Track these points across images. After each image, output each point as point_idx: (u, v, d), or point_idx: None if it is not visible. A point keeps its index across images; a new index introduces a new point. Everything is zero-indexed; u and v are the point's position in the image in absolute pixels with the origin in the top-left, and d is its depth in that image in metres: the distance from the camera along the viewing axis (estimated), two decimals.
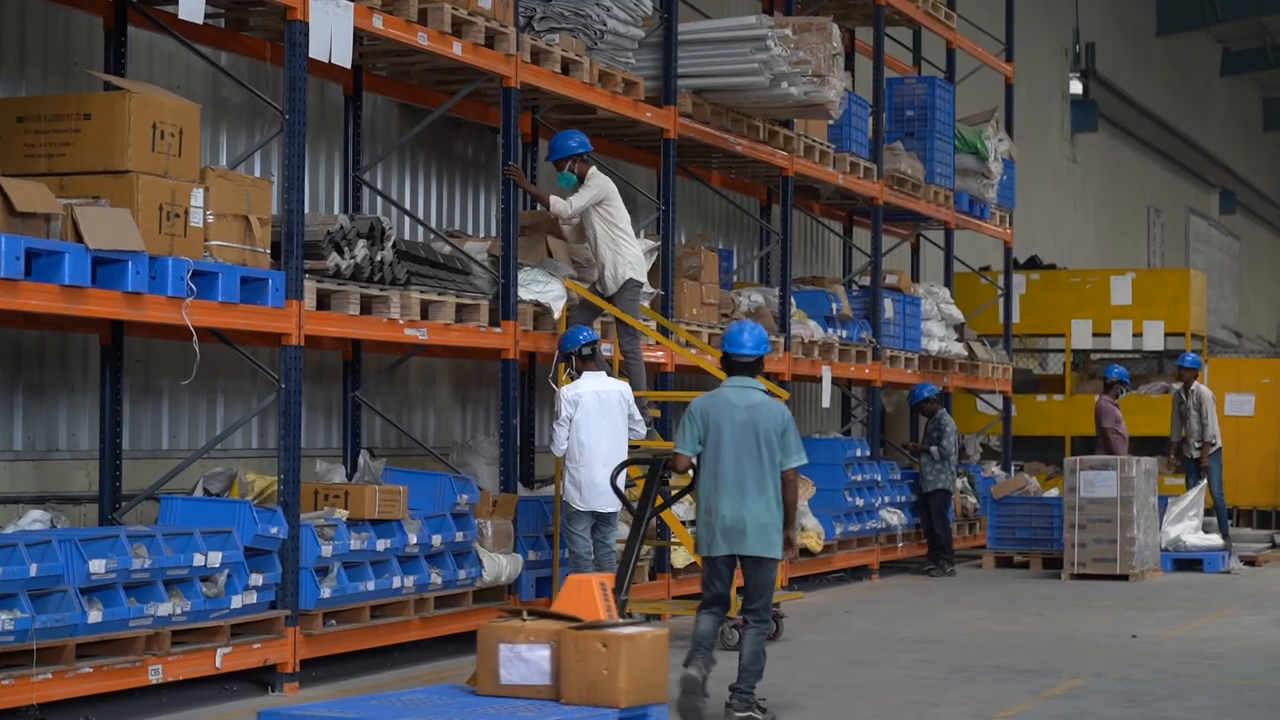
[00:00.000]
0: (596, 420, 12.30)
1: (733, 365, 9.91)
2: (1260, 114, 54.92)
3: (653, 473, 10.97)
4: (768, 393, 10.03)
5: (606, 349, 13.46)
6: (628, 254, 13.29)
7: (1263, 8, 42.55)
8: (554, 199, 13.09)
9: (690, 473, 10.22)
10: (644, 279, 13.48)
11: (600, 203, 13.17)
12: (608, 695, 8.58)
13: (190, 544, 9.80)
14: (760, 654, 9.61)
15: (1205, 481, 20.55)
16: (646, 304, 14.35)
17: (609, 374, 12.70)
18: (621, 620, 9.22)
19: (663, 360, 14.34)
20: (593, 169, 13.28)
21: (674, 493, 11.19)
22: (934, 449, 19.15)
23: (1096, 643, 13.31)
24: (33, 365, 11.20)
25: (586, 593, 9.14)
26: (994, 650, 12.81)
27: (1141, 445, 21.58)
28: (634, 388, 13.49)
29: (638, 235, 14.02)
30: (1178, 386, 21.50)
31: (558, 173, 13.22)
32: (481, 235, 15.02)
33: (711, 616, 9.83)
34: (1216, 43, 48.17)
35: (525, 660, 8.79)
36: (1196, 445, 20.76)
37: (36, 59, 11.24)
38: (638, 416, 12.55)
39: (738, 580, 10.38)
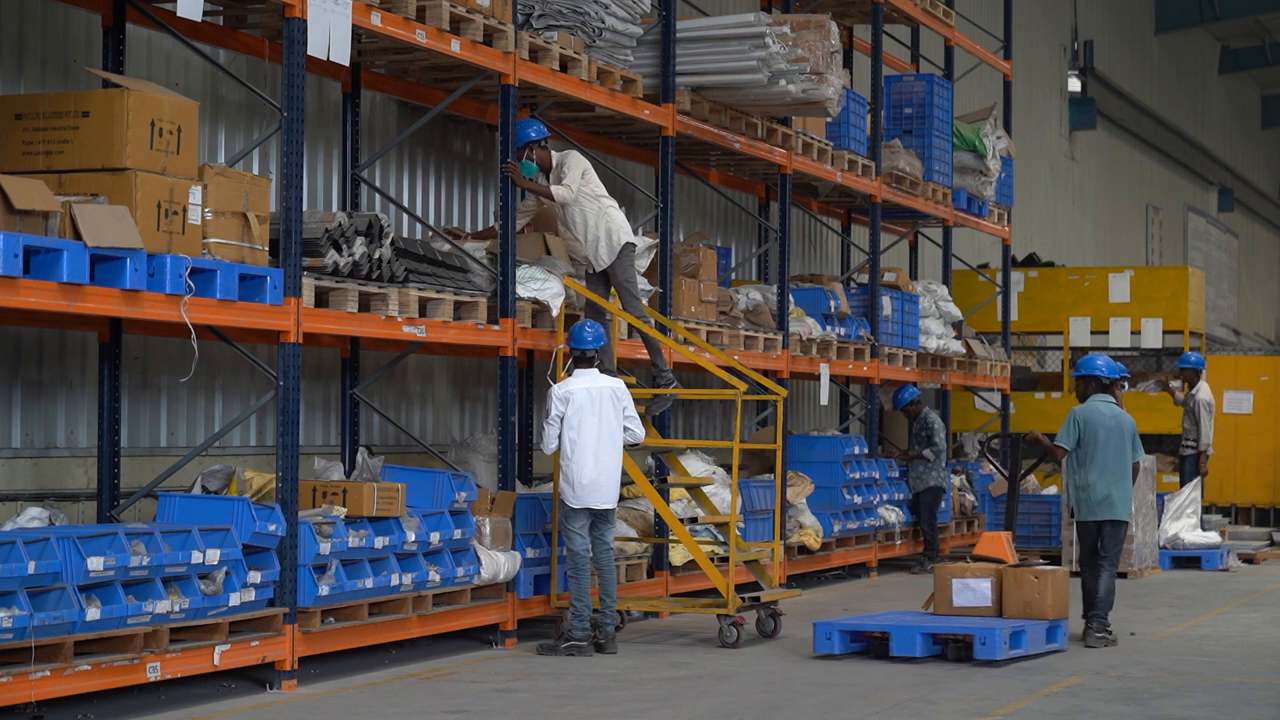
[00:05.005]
0: (588, 417, 12.31)
1: (1099, 385, 13.61)
2: (1259, 111, 54.93)
3: (1015, 449, 14.74)
4: (1119, 405, 13.64)
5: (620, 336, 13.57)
6: (617, 219, 13.35)
7: (1261, 5, 42.55)
8: (555, 188, 13.09)
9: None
10: (635, 240, 13.52)
11: (582, 176, 13.21)
12: (1039, 612, 12.50)
13: (188, 541, 9.80)
14: (1112, 590, 13.16)
15: (1199, 479, 20.55)
16: (645, 266, 14.37)
17: (602, 370, 12.70)
18: (1039, 560, 13.86)
19: (664, 355, 14.32)
20: (555, 151, 13.32)
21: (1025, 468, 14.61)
22: (928, 451, 19.21)
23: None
24: (31, 362, 11.20)
25: (998, 544, 13.06)
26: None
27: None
28: (651, 355, 13.57)
29: (636, 233, 14.02)
30: (1176, 384, 21.51)
31: (518, 163, 13.16)
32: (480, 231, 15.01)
33: (1090, 571, 13.22)
34: (1215, 40, 48.17)
35: (972, 589, 12.64)
36: (1189, 444, 20.77)
37: (35, 56, 11.24)
38: (631, 413, 12.55)
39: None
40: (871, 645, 12.24)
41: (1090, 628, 13.06)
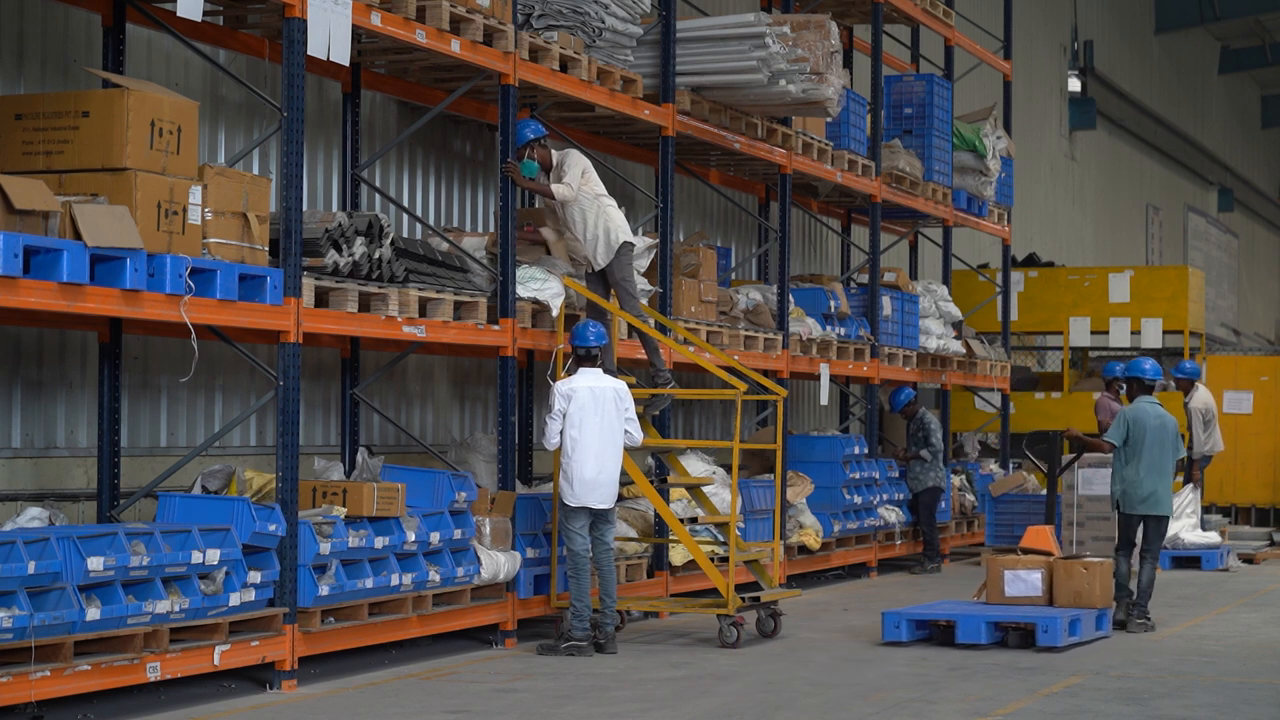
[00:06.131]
0: (590, 416, 12.31)
1: (1144, 387, 14.40)
2: (1259, 111, 54.93)
3: (1052, 445, 15.42)
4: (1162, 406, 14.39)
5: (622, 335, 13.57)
6: (616, 219, 13.35)
7: (1261, 5, 42.55)
8: (555, 186, 13.10)
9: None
10: (634, 239, 13.52)
11: (582, 175, 13.22)
12: (1088, 600, 13.34)
13: (188, 541, 9.80)
14: (1153, 580, 14.07)
15: (1197, 481, 20.53)
16: (645, 266, 14.37)
17: (606, 371, 12.71)
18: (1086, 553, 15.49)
19: (662, 354, 14.32)
20: (554, 150, 13.33)
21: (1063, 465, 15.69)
22: (925, 451, 19.22)
23: (1094, 640, 13.31)
24: (31, 362, 11.20)
25: (1043, 536, 14.20)
26: (991, 648, 12.81)
27: None
28: (649, 354, 13.57)
29: (636, 233, 14.03)
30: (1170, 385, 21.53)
31: (518, 163, 13.18)
32: (480, 230, 15.01)
33: (1124, 558, 14.15)
34: (1215, 40, 48.17)
35: (1024, 580, 13.41)
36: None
37: (35, 56, 11.24)
38: (632, 415, 12.55)
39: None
40: (935, 634, 12.99)
41: (1131, 615, 13.96)
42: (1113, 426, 14.30)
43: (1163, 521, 14.23)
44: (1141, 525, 14.23)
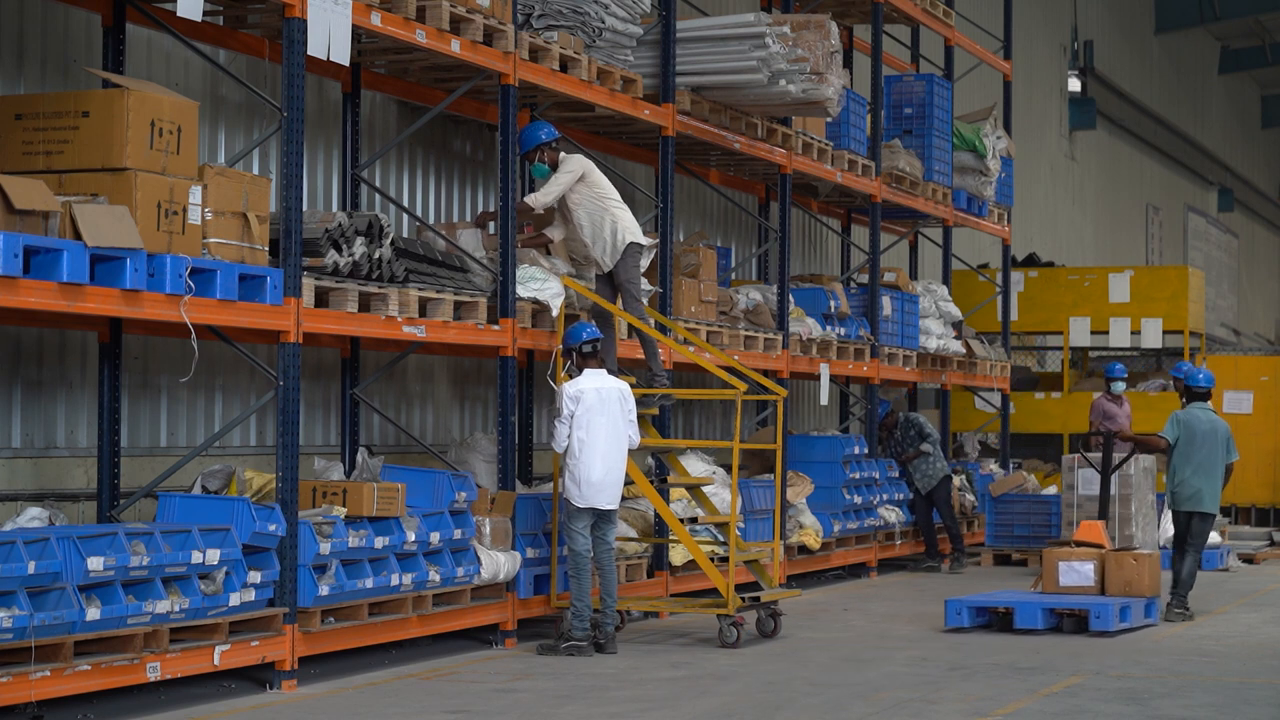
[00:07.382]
0: (596, 417, 12.32)
1: (1196, 394, 15.20)
2: (1259, 111, 54.93)
3: (1108, 445, 15.85)
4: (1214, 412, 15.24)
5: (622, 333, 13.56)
6: (625, 220, 13.34)
7: (1261, 5, 42.56)
8: (526, 199, 13.17)
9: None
10: (643, 240, 13.52)
11: (581, 180, 13.21)
12: (1139, 590, 14.14)
13: (188, 541, 9.80)
14: (1194, 573, 14.87)
15: None
16: (644, 266, 14.38)
17: (610, 372, 12.72)
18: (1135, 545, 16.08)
19: (660, 357, 14.32)
20: (563, 153, 13.33)
21: (1116, 462, 16.11)
22: (925, 445, 19.23)
23: (1094, 640, 13.32)
24: (31, 362, 11.20)
25: (1095, 530, 14.61)
26: (992, 648, 12.82)
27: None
28: (647, 356, 13.58)
29: None
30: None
31: (530, 165, 13.21)
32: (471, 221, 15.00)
33: (1178, 556, 14.90)
34: (1215, 40, 48.17)
35: (1077, 571, 14.14)
36: None
37: (35, 56, 11.24)
38: (633, 417, 12.56)
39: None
40: (994, 620, 13.87)
41: (1170, 604, 14.71)
42: (1166, 426, 15.11)
43: (1207, 519, 14.99)
44: (1188, 521, 14.96)
